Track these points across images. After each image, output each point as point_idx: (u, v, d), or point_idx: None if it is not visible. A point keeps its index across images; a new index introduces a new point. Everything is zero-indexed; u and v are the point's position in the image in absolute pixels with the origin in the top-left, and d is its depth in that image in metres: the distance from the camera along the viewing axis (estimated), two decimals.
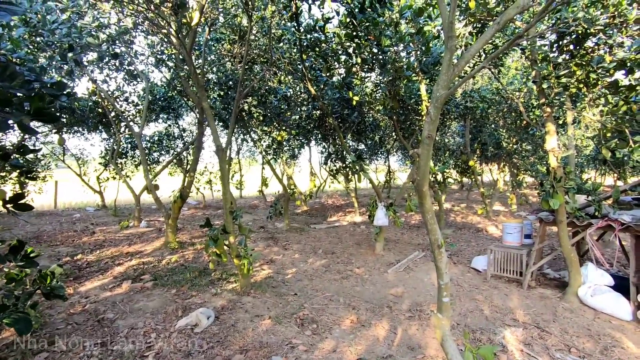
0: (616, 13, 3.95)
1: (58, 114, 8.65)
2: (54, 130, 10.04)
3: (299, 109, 8.53)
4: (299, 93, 8.27)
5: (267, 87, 7.52)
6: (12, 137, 10.21)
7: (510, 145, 11.08)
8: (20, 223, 9.05)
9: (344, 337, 3.65)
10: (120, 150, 10.40)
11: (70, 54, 4.52)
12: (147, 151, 10.65)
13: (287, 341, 3.48)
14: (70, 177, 13.17)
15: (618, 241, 5.08)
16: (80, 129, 10.65)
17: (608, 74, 4.46)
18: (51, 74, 6.05)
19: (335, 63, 5.89)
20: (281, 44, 6.25)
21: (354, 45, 5.06)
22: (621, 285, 4.58)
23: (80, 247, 6.92)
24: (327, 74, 6.03)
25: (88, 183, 12.06)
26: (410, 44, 5.30)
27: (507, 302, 4.68)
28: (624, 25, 4.01)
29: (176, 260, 6.08)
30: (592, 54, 4.42)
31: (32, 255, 2.55)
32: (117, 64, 7.54)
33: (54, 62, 5.44)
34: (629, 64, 4.13)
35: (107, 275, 5.31)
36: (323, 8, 4.41)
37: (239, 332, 3.60)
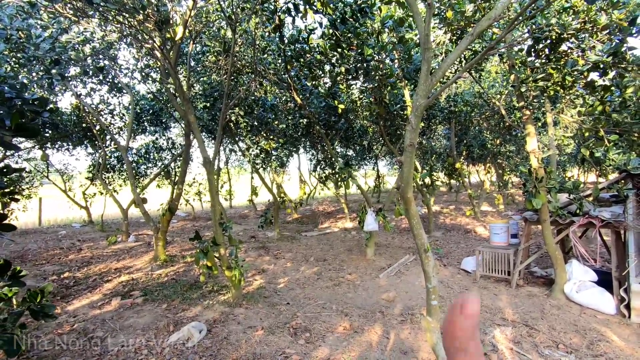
0: (586, 19, 4.13)
1: (40, 129, 8.52)
2: (37, 146, 9.86)
3: (286, 118, 8.58)
4: (285, 102, 8.33)
5: (253, 97, 7.56)
6: None
7: (495, 146, 11.33)
8: (4, 242, 8.83)
9: (338, 345, 3.66)
10: (106, 164, 10.26)
11: (54, 70, 4.49)
12: (134, 164, 10.52)
13: (280, 351, 3.47)
14: (54, 193, 12.91)
15: (599, 237, 5.23)
16: (65, 144, 10.49)
17: (582, 76, 4.64)
18: (33, 89, 5.98)
19: (320, 72, 5.97)
20: (266, 55, 6.31)
21: (338, 55, 5.15)
22: (604, 280, 4.71)
23: (66, 265, 6.78)
24: (313, 83, 6.10)
25: (74, 199, 11.84)
26: (393, 52, 5.42)
27: (497, 302, 4.76)
28: (594, 30, 4.19)
29: (166, 274, 6.01)
30: (566, 58, 4.59)
31: (19, 274, 2.51)
32: (101, 77, 7.49)
33: (35, 78, 5.39)
34: (602, 66, 4.31)
35: (95, 293, 5.22)
36: (306, 20, 4.49)
37: (231, 345, 3.58)
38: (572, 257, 5.75)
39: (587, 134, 5.06)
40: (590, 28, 4.18)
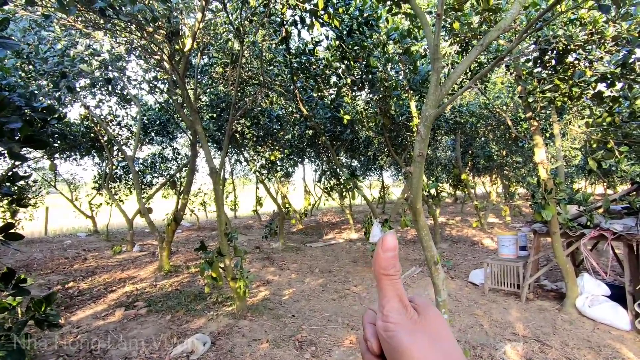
0: (594, 30, 4.12)
1: (49, 139, 8.61)
2: (45, 157, 9.96)
3: (291, 129, 8.62)
4: (291, 113, 8.37)
5: (259, 108, 7.62)
6: (2, 164, 10.08)
7: (501, 157, 11.26)
8: (10, 251, 8.85)
9: (344, 359, 3.58)
10: (112, 174, 10.33)
11: (62, 82, 4.56)
12: (140, 174, 10.58)
13: None
14: (61, 202, 13.00)
15: (611, 250, 5.12)
16: (73, 154, 10.59)
17: (590, 87, 4.61)
18: (42, 99, 6.06)
19: (326, 85, 6.00)
20: (272, 67, 6.37)
21: (344, 66, 5.18)
22: (617, 295, 4.60)
23: (71, 275, 6.77)
24: (318, 95, 6.14)
25: (80, 208, 11.90)
26: (398, 64, 5.44)
27: (506, 316, 4.65)
28: (602, 41, 4.18)
29: (170, 285, 5.96)
30: (573, 69, 4.58)
31: (23, 283, 2.49)
32: (109, 89, 7.59)
33: (44, 89, 5.48)
34: (609, 77, 4.28)
35: (99, 303, 5.19)
36: (312, 32, 4.53)
37: (236, 358, 3.52)
38: (582, 270, 5.63)
39: (595, 146, 5.00)
40: (597, 39, 4.17)
